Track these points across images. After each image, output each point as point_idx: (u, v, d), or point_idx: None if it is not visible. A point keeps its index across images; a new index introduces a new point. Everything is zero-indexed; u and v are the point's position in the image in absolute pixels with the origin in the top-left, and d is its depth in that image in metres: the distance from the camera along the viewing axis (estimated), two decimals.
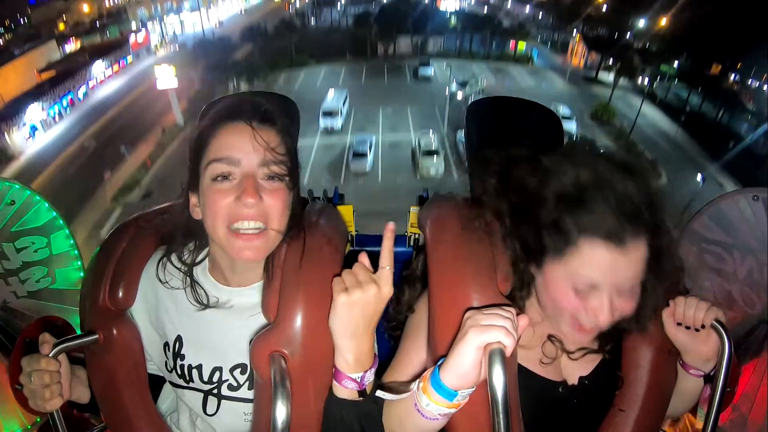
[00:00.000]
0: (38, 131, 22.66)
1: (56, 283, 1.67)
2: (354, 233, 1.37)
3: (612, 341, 0.90)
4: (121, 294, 0.92)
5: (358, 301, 0.72)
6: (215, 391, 0.90)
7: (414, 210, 1.33)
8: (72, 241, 1.69)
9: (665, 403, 0.93)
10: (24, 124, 21.97)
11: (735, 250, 1.37)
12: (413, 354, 0.88)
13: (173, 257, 0.91)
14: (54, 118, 24.03)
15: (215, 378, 0.89)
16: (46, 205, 1.65)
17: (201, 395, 0.90)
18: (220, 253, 0.87)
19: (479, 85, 25.85)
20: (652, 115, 24.48)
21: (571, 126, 21.19)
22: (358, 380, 0.74)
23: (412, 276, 0.98)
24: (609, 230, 0.71)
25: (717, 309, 0.84)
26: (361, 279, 0.74)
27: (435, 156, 18.81)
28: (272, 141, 0.80)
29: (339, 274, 0.77)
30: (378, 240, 1.39)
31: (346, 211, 1.30)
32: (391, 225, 0.79)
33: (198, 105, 21.50)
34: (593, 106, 24.51)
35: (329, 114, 22.18)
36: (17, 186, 1.61)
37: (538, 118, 1.29)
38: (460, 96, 24.27)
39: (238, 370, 0.89)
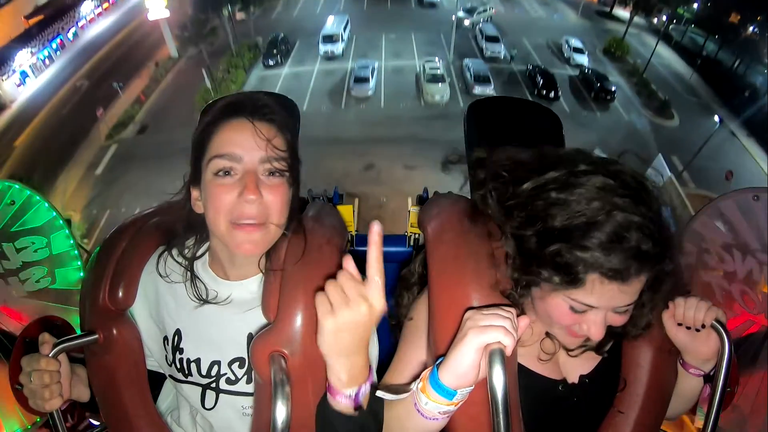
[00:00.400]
0: (29, 77, 22.04)
1: (56, 283, 1.67)
2: (354, 233, 1.37)
3: (610, 341, 0.90)
4: (121, 294, 0.92)
5: (347, 324, 0.68)
6: (213, 384, 0.90)
7: (414, 210, 1.33)
8: (72, 241, 1.69)
9: (665, 402, 0.93)
10: (14, 71, 21.37)
11: (735, 250, 1.37)
12: (413, 358, 0.88)
13: (174, 252, 0.92)
14: (44, 61, 23.34)
15: (213, 372, 0.90)
16: (46, 205, 1.65)
17: (199, 389, 0.91)
18: (220, 246, 0.88)
19: (487, 12, 24.85)
20: (667, 56, 23.40)
21: (582, 59, 20.49)
22: (353, 396, 0.72)
23: (409, 278, 0.98)
24: (614, 269, 0.69)
25: (717, 309, 0.84)
26: (349, 295, 0.68)
27: (440, 82, 18.16)
28: (273, 137, 0.81)
29: (333, 276, 0.77)
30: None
31: (346, 211, 1.30)
32: (377, 227, 0.74)
33: (192, 33, 21.01)
34: (606, 40, 23.33)
35: (329, 39, 21.23)
36: (17, 186, 1.61)
37: (539, 118, 1.29)
38: (467, 23, 23.34)
39: (237, 363, 0.89)
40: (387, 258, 1.35)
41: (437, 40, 22.68)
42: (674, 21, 25.02)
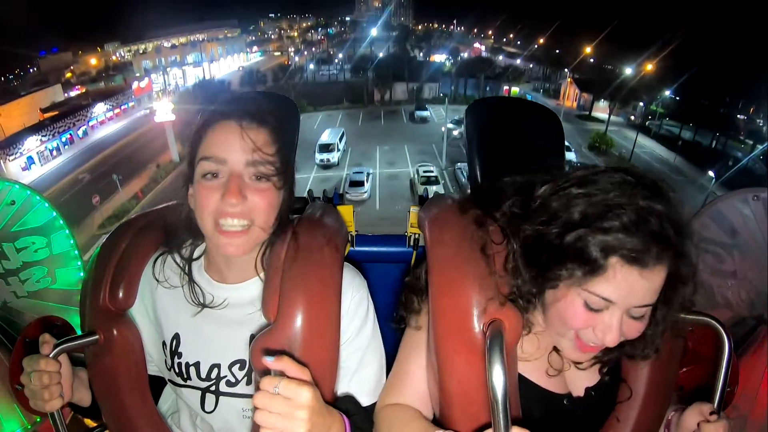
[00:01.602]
0: (34, 164, 23.15)
1: (56, 283, 1.67)
2: (354, 233, 1.37)
3: (618, 358, 0.89)
4: (121, 294, 0.92)
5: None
6: (213, 387, 0.90)
7: (414, 210, 1.33)
8: (72, 241, 1.69)
9: (664, 407, 0.93)
10: (21, 155, 22.38)
11: (735, 250, 1.36)
12: (413, 364, 0.87)
13: (171, 254, 0.92)
14: (51, 152, 24.66)
15: (213, 375, 0.90)
16: (46, 204, 1.65)
17: (199, 393, 0.91)
18: (215, 250, 0.88)
19: None
20: (648, 145, 25.06)
21: (570, 156, 21.36)
22: None
23: (416, 284, 0.95)
24: (634, 251, 0.68)
25: None
26: (283, 410, 0.64)
27: (435, 184, 18.59)
28: (261, 140, 0.81)
29: (332, 276, 0.78)
30: (378, 240, 1.40)
31: (346, 211, 1.30)
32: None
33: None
34: (590, 136, 24.98)
35: (325, 148, 22.25)
36: (17, 186, 1.61)
37: (539, 119, 1.29)
38: (455, 133, 24.55)
39: (237, 366, 0.89)
40: (387, 258, 1.36)
41: (429, 150, 24.18)
42: (649, 117, 27.39)
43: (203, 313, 0.89)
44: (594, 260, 0.70)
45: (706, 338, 0.96)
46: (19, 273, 1.62)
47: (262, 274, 0.89)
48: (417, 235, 1.32)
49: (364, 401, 0.89)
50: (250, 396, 0.87)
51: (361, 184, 18.89)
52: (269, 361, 0.65)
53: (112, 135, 28.59)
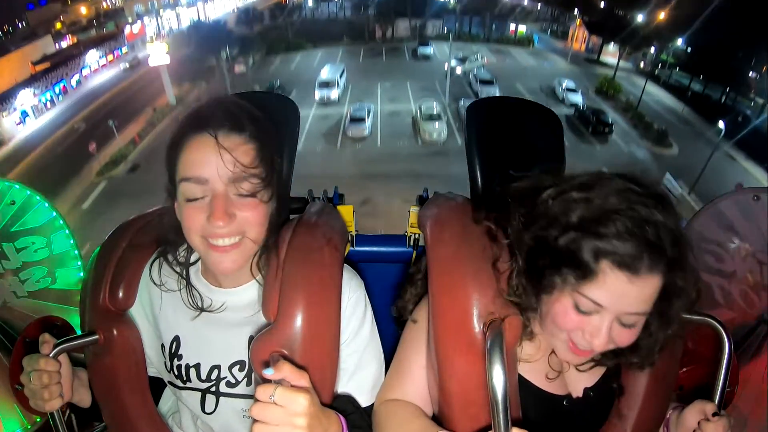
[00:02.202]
0: (29, 117, 22.53)
1: (56, 283, 1.67)
2: (354, 233, 1.37)
3: (614, 362, 0.88)
4: (121, 294, 0.92)
5: None
6: (213, 388, 0.90)
7: (414, 210, 1.33)
8: (72, 241, 1.69)
9: (665, 406, 0.93)
10: (15, 110, 21.82)
11: (735, 250, 1.37)
12: (413, 363, 0.87)
13: (168, 258, 0.91)
14: (45, 104, 23.94)
15: (213, 376, 0.90)
16: (46, 204, 1.65)
17: (199, 394, 0.91)
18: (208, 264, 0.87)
19: (479, 61, 25.49)
20: (657, 93, 24.04)
21: (577, 98, 20.80)
22: None
23: (415, 273, 0.97)
24: (626, 257, 0.68)
25: None
26: (281, 419, 0.63)
27: (437, 121, 18.15)
28: (241, 152, 0.76)
29: (337, 280, 0.77)
30: (378, 240, 1.40)
31: (346, 211, 1.30)
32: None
33: (189, 70, 21.90)
34: (598, 80, 24.03)
35: (325, 85, 21.42)
36: (17, 186, 1.61)
37: (539, 119, 1.29)
38: (459, 71, 23.93)
39: (237, 367, 0.89)
40: (387, 258, 1.36)
41: (432, 87, 23.33)
42: (659, 65, 26.36)
43: (202, 316, 0.89)
44: (586, 264, 0.70)
45: (706, 338, 0.96)
46: (19, 273, 1.62)
47: (258, 277, 0.88)
48: (417, 235, 1.32)
49: (362, 401, 0.89)
50: (250, 396, 0.88)
51: (362, 120, 18.36)
52: (268, 374, 0.65)
53: (106, 82, 27.80)
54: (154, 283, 0.92)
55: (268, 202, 0.81)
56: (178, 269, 0.91)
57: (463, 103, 19.55)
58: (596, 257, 0.69)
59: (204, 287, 0.90)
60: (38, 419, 1.48)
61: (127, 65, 25.63)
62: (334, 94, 21.50)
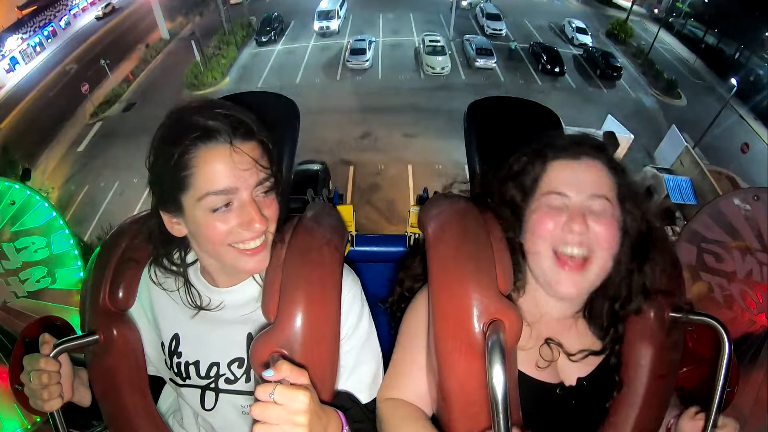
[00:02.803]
0: (19, 64, 21.89)
1: (56, 283, 1.67)
2: (354, 233, 1.37)
3: (611, 338, 0.90)
4: (121, 294, 0.92)
5: None
6: (212, 385, 0.90)
7: (414, 210, 1.33)
8: (72, 241, 1.69)
9: (665, 403, 0.93)
10: (3, 57, 21.21)
11: (735, 250, 1.37)
12: (413, 360, 0.88)
13: (165, 260, 0.91)
14: (35, 48, 23.21)
15: (212, 373, 0.90)
16: (46, 204, 1.65)
17: (198, 391, 0.91)
18: (208, 260, 0.87)
19: None
20: (669, 42, 23.33)
21: (586, 39, 20.17)
22: None
23: (410, 267, 0.99)
24: (563, 146, 0.87)
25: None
26: (281, 418, 0.63)
27: (441, 54, 17.65)
28: (258, 156, 0.78)
29: (337, 280, 0.77)
30: (378, 240, 1.40)
31: (346, 211, 1.30)
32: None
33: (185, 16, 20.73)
34: (609, 23, 23.17)
35: (325, 15, 20.65)
36: (17, 186, 1.61)
37: (538, 118, 1.29)
38: (464, 3, 22.98)
39: (236, 363, 0.90)
40: (387, 258, 1.36)
41: (436, 20, 22.23)
42: (673, 14, 25.14)
43: (201, 314, 0.90)
44: (534, 165, 0.88)
45: (706, 338, 0.96)
46: (19, 273, 1.62)
47: (256, 276, 0.89)
48: (417, 235, 1.32)
49: (362, 398, 0.90)
50: (249, 393, 0.88)
51: (363, 52, 17.88)
52: (268, 376, 0.65)
53: (96, 21, 26.57)
54: (154, 282, 0.92)
55: (278, 196, 0.83)
56: (175, 270, 0.91)
57: (468, 37, 19.14)
58: (543, 159, 0.88)
59: (203, 286, 0.91)
60: (38, 419, 1.48)
61: (100, 13, 24.14)
62: (333, 24, 20.68)
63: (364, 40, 18.67)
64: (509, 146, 0.96)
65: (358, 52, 17.95)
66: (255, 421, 0.63)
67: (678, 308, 0.91)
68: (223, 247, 0.79)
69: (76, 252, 1.69)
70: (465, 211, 0.87)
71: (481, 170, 1.17)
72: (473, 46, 18.03)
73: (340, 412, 0.76)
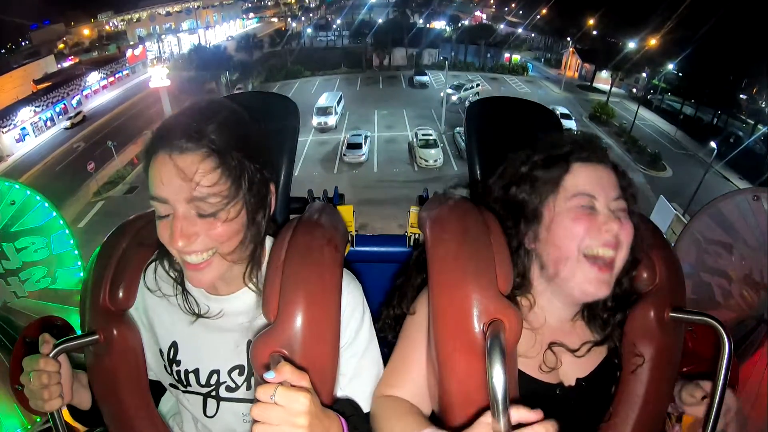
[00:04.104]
0: (28, 135, 22.82)
1: (56, 283, 1.67)
2: (354, 233, 1.37)
3: (612, 327, 0.91)
4: (121, 294, 0.91)
5: None
6: (213, 393, 0.90)
7: (414, 210, 1.33)
8: (72, 241, 1.69)
9: (666, 403, 0.93)
10: (15, 126, 22.09)
11: (735, 250, 1.37)
12: (413, 359, 0.87)
13: (164, 264, 0.91)
14: (45, 123, 24.21)
15: (213, 380, 0.90)
16: (46, 204, 1.65)
17: (200, 398, 0.91)
18: None
19: (475, 89, 26.10)
20: (649, 118, 24.77)
21: (570, 124, 21.27)
22: None
23: (408, 269, 0.99)
24: (585, 153, 0.87)
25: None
26: (282, 419, 0.63)
27: (433, 147, 18.43)
28: (200, 171, 0.72)
29: (337, 280, 0.77)
30: (378, 240, 1.40)
31: (346, 211, 1.30)
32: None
33: (189, 89, 21.99)
34: (591, 106, 24.69)
35: (323, 111, 21.80)
36: (17, 186, 1.61)
37: (538, 118, 1.29)
38: (454, 98, 24.35)
39: (236, 371, 0.89)
40: (387, 258, 1.36)
41: (428, 114, 23.71)
42: (651, 91, 27.05)
43: (200, 321, 0.89)
44: (557, 165, 0.87)
45: (706, 338, 0.96)
46: (19, 273, 1.63)
47: (251, 285, 0.88)
48: (417, 235, 1.32)
49: (363, 407, 0.89)
50: (251, 401, 0.87)
51: (359, 146, 18.66)
52: (269, 378, 0.64)
53: (106, 103, 28.20)
54: (149, 289, 0.92)
55: (237, 217, 0.77)
56: (173, 275, 0.90)
57: (458, 130, 20.01)
58: (566, 160, 0.86)
59: (200, 294, 0.90)
60: (38, 419, 1.49)
61: (68, 124, 23.60)
62: (331, 120, 21.85)
63: (360, 134, 19.41)
64: (509, 146, 0.96)
65: (355, 146, 18.67)
66: (255, 422, 0.63)
67: (678, 308, 0.91)
68: (174, 251, 0.78)
69: (76, 252, 1.69)
70: (465, 211, 0.87)
71: (482, 173, 1.17)
72: (463, 138, 18.81)
73: (341, 418, 0.76)
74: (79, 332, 0.95)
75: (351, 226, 1.34)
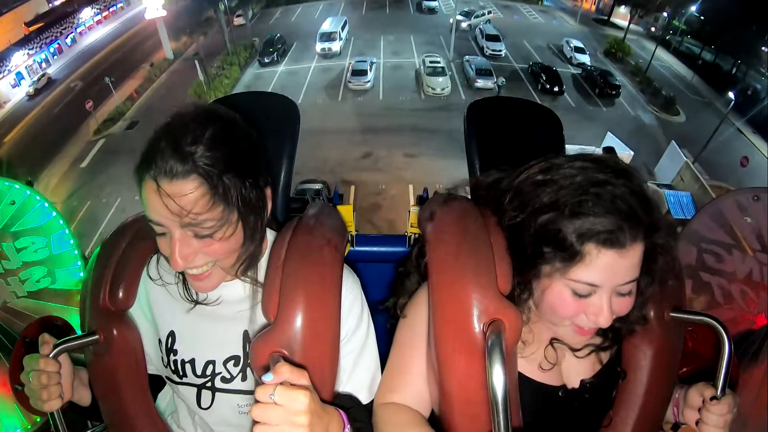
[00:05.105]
0: (24, 79, 22.06)
1: (56, 283, 1.67)
2: (354, 233, 1.37)
3: (615, 336, 0.90)
4: (121, 294, 0.92)
5: None
6: (209, 384, 0.90)
7: (414, 210, 1.33)
8: (72, 241, 1.69)
9: (665, 403, 0.93)
10: (9, 72, 21.46)
11: (735, 250, 1.37)
12: (411, 367, 0.87)
13: (162, 255, 0.91)
14: (40, 65, 23.41)
15: (208, 371, 0.90)
16: (46, 204, 1.65)
17: (195, 389, 0.91)
18: None
19: (486, 16, 25.01)
20: (667, 59, 23.68)
21: (584, 58, 20.53)
22: None
23: (407, 267, 0.98)
24: (609, 234, 0.71)
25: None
26: (282, 419, 0.62)
27: (441, 75, 17.93)
28: (189, 199, 0.70)
29: (337, 280, 0.77)
30: (378, 240, 1.40)
31: (346, 211, 1.30)
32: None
33: (187, 22, 21.41)
34: (607, 41, 23.55)
35: (327, 37, 20.99)
36: (17, 186, 1.61)
37: (539, 118, 1.29)
38: (464, 25, 23.34)
39: (232, 362, 0.90)
40: (387, 258, 1.36)
41: (436, 41, 22.71)
42: (670, 32, 25.62)
43: (197, 310, 0.90)
44: (570, 246, 0.72)
45: (706, 338, 0.96)
46: (18, 273, 1.62)
47: (244, 278, 0.88)
48: (417, 235, 1.32)
49: (362, 399, 0.90)
50: (246, 392, 0.88)
51: (364, 73, 18.13)
52: (268, 380, 0.64)
53: (102, 39, 27.00)
54: (151, 278, 0.93)
55: (234, 234, 0.78)
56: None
57: (467, 58, 19.46)
58: (580, 240, 0.72)
59: None
60: (38, 419, 1.49)
61: (31, 90, 21.85)
62: (335, 46, 20.98)
63: (365, 61, 18.89)
64: (509, 146, 0.96)
65: (360, 73, 18.17)
66: (255, 422, 0.63)
67: (678, 308, 0.91)
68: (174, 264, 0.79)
69: (76, 252, 1.69)
70: (465, 211, 0.87)
71: (482, 174, 1.16)
72: (473, 67, 18.41)
73: (341, 411, 0.76)
74: (79, 332, 0.95)
75: (351, 226, 1.34)
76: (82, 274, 1.68)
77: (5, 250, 1.59)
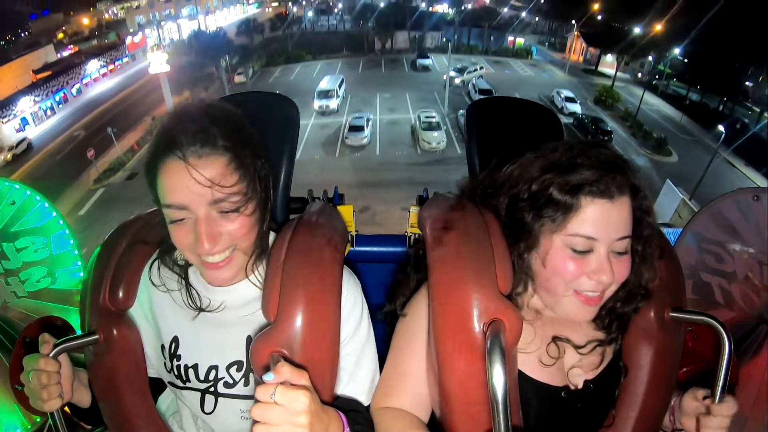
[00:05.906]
0: (29, 125, 22.76)
1: (56, 283, 1.67)
2: (354, 233, 1.37)
3: (617, 327, 0.90)
4: (121, 294, 0.92)
5: None
6: (212, 389, 0.90)
7: (414, 210, 1.33)
8: (72, 241, 1.69)
9: (666, 403, 0.93)
10: (15, 116, 22.04)
11: (735, 250, 1.37)
12: (411, 369, 0.87)
13: (167, 259, 0.92)
14: (45, 112, 24.22)
15: (211, 376, 0.90)
16: (46, 204, 1.65)
17: (198, 394, 0.91)
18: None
19: (478, 72, 25.81)
20: (654, 103, 24.45)
21: (575, 107, 21.12)
22: None
23: (407, 267, 0.98)
24: (599, 184, 0.76)
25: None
26: (282, 419, 0.62)
27: (436, 130, 18.27)
28: (217, 172, 0.73)
29: (337, 280, 0.78)
30: (378, 240, 1.40)
31: (346, 211, 1.30)
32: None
33: (188, 77, 22.28)
34: (597, 90, 24.36)
35: (324, 94, 21.59)
36: (17, 186, 1.61)
37: (539, 119, 1.29)
38: (457, 81, 24.18)
39: (234, 367, 0.90)
40: (387, 258, 1.36)
41: (431, 97, 23.55)
42: (657, 76, 26.82)
43: (201, 316, 0.90)
44: (564, 201, 0.77)
45: (706, 338, 0.96)
46: (19, 273, 1.63)
47: (251, 277, 0.89)
48: (417, 235, 1.32)
49: (360, 401, 0.89)
50: (248, 397, 0.88)
51: (361, 129, 18.54)
52: (269, 380, 0.64)
53: (106, 91, 28.16)
54: (153, 284, 0.92)
55: (254, 213, 0.80)
56: (177, 270, 0.91)
57: (461, 112, 19.72)
58: (573, 192, 0.77)
59: (202, 287, 0.91)
60: (38, 419, 1.49)
61: (9, 156, 20.91)
62: (333, 103, 21.66)
63: (362, 117, 19.25)
64: (509, 146, 0.96)
65: (357, 129, 18.50)
66: (255, 421, 0.63)
67: (678, 308, 0.91)
68: (190, 254, 0.80)
69: (76, 252, 1.69)
70: (465, 211, 0.87)
71: (482, 178, 1.17)
72: None
73: (341, 413, 0.76)
74: (79, 332, 0.95)
75: (351, 226, 1.33)
76: (82, 274, 1.68)
77: (5, 250, 1.60)
